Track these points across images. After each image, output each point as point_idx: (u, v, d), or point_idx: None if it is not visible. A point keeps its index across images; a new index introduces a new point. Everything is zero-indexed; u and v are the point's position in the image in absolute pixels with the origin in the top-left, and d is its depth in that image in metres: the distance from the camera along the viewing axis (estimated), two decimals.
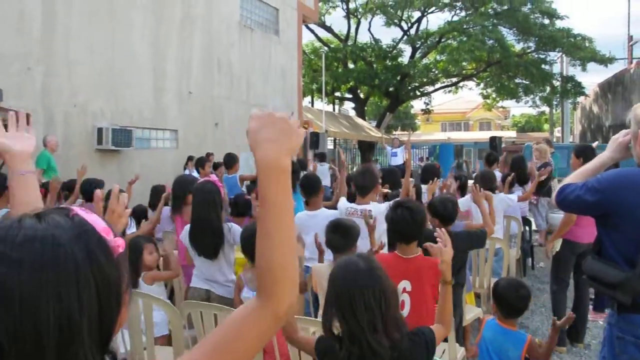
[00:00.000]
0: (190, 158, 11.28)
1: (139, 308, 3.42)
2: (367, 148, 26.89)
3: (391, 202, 4.31)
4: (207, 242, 3.96)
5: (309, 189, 4.91)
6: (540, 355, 3.04)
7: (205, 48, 13.09)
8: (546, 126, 46.41)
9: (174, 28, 11.99)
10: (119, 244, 0.93)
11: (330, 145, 27.85)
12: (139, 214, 6.18)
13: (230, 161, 8.43)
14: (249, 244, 3.60)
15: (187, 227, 4.20)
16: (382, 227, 4.22)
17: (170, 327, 3.43)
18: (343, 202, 4.83)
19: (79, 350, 0.82)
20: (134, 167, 10.85)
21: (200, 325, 3.15)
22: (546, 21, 24.91)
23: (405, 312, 3.14)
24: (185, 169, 11.33)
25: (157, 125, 11.71)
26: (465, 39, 23.51)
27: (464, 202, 6.35)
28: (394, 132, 40.56)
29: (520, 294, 3.14)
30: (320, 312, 3.49)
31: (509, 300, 3.11)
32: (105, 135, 9.85)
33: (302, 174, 8.63)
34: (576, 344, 5.27)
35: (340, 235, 3.49)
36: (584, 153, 5.14)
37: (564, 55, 26.37)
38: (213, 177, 4.98)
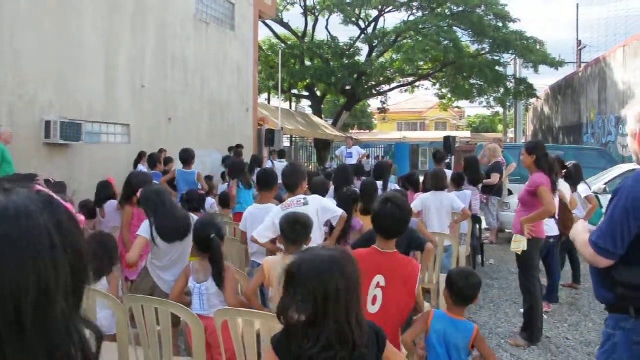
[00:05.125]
0: (142, 154, 11.05)
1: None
2: (323, 146, 26.91)
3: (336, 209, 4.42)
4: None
5: (263, 183, 4.93)
6: (486, 349, 3.07)
7: (159, 41, 12.84)
8: (500, 127, 47.39)
9: (126, 20, 11.72)
10: (81, 219, 1.00)
11: (286, 143, 27.84)
12: (88, 209, 6.04)
13: (188, 157, 8.28)
14: (198, 237, 3.57)
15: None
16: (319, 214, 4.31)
17: (116, 321, 3.35)
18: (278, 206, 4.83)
19: (55, 312, 0.86)
20: (83, 162, 10.58)
21: (142, 319, 3.08)
22: (500, 24, 25.38)
23: (376, 307, 3.08)
24: (136, 165, 11.10)
25: (108, 119, 11.42)
26: (421, 38, 23.75)
27: (417, 204, 6.42)
28: (351, 131, 40.76)
29: (470, 281, 3.20)
30: (272, 305, 3.46)
31: (460, 287, 3.15)
32: (54, 129, 9.53)
33: (257, 170, 8.63)
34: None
35: (294, 228, 3.47)
36: (536, 149, 5.26)
37: (517, 58, 26.93)
38: None
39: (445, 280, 3.36)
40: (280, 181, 12.41)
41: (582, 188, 7.04)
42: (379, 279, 3.09)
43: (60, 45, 9.95)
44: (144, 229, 4.03)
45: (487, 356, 3.02)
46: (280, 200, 6.98)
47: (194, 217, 4.15)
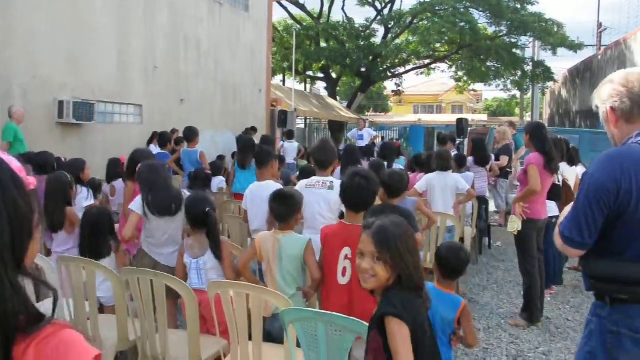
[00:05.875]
0: (155, 134, 11.18)
1: (82, 275, 3.43)
2: (337, 128, 26.87)
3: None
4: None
5: (258, 161, 5.02)
6: (470, 325, 3.11)
7: (172, 22, 12.90)
8: (517, 110, 46.94)
9: (139, 2, 11.78)
10: (30, 182, 1.04)
11: (301, 125, 27.85)
12: (94, 187, 6.15)
13: (191, 135, 8.34)
14: (192, 213, 3.65)
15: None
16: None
17: (113, 294, 3.44)
18: (303, 180, 4.88)
19: None
20: (96, 142, 10.73)
21: (137, 291, 3.16)
22: (518, 5, 24.99)
23: (346, 278, 3.22)
24: (149, 145, 11.23)
25: (121, 100, 11.55)
26: (437, 20, 23.51)
27: (422, 184, 6.45)
28: (367, 113, 40.61)
29: (459, 256, 3.25)
30: (267, 277, 3.53)
31: (449, 261, 3.21)
32: (67, 109, 9.68)
33: None
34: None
35: (282, 203, 3.52)
36: (532, 130, 5.31)
37: (535, 40, 26.55)
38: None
39: (435, 253, 3.44)
40: (291, 160, 12.41)
41: (578, 170, 7.02)
42: (347, 251, 3.22)
43: (73, 26, 10.04)
44: (137, 204, 4.09)
45: (469, 332, 3.05)
46: (286, 180, 7.04)
47: (187, 193, 4.20)
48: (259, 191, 4.65)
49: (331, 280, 3.27)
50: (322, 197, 4.34)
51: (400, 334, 1.96)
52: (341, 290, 3.22)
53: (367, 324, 2.38)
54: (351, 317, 2.45)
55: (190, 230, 3.73)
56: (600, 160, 2.21)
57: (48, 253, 4.88)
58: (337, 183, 4.38)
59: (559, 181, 5.68)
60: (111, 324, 3.51)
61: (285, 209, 3.50)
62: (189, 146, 8.30)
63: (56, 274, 3.44)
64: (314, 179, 4.59)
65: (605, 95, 2.28)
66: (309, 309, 2.83)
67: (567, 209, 2.41)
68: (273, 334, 3.30)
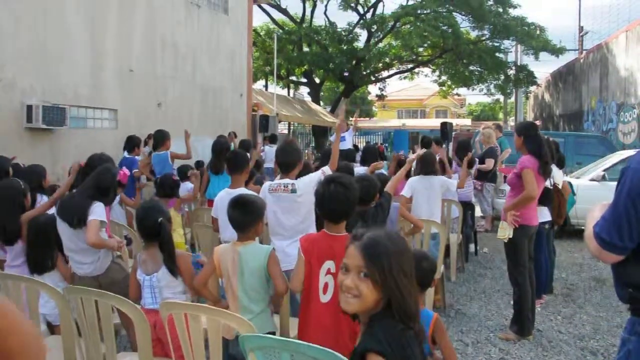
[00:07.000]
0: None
1: (22, 294, 3.06)
2: (321, 133, 26.59)
3: (320, 175, 4.04)
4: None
5: (232, 166, 4.63)
6: (446, 342, 2.78)
7: (149, 25, 12.51)
8: (501, 115, 47.02)
9: (113, 2, 11.39)
10: None
11: (285, 130, 27.52)
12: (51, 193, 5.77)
13: (161, 138, 7.94)
14: (143, 224, 3.28)
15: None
16: (309, 201, 3.97)
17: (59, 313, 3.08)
18: (266, 183, 4.54)
19: None
20: (68, 148, 10.28)
21: (81, 311, 2.80)
22: (500, 9, 24.93)
23: (328, 296, 2.87)
24: (125, 150, 10.82)
25: (95, 104, 11.12)
26: (419, 24, 23.35)
27: (406, 190, 6.14)
28: (351, 118, 40.36)
29: (423, 266, 2.90)
30: (228, 295, 3.16)
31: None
32: (36, 113, 9.24)
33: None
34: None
35: (241, 211, 3.16)
36: (524, 131, 4.97)
37: (517, 44, 26.53)
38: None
39: None
40: (270, 165, 12.02)
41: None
42: (330, 264, 2.85)
43: (41, 27, 9.61)
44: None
45: (445, 349, 2.73)
46: (259, 183, 6.67)
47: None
48: (230, 198, 4.29)
49: (311, 299, 2.89)
50: (287, 201, 4.03)
51: None
52: (323, 310, 2.84)
53: (342, 356, 2.04)
54: (321, 347, 2.07)
55: (143, 243, 3.36)
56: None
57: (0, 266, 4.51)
58: (298, 184, 4.05)
59: (551, 185, 5.38)
60: (59, 347, 3.13)
61: (244, 217, 3.13)
62: (159, 150, 7.91)
63: None
64: (275, 182, 4.25)
65: None
66: (272, 336, 2.46)
67: (598, 209, 2.08)
68: (238, 359, 2.94)
